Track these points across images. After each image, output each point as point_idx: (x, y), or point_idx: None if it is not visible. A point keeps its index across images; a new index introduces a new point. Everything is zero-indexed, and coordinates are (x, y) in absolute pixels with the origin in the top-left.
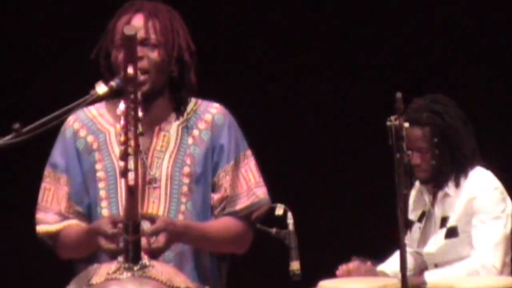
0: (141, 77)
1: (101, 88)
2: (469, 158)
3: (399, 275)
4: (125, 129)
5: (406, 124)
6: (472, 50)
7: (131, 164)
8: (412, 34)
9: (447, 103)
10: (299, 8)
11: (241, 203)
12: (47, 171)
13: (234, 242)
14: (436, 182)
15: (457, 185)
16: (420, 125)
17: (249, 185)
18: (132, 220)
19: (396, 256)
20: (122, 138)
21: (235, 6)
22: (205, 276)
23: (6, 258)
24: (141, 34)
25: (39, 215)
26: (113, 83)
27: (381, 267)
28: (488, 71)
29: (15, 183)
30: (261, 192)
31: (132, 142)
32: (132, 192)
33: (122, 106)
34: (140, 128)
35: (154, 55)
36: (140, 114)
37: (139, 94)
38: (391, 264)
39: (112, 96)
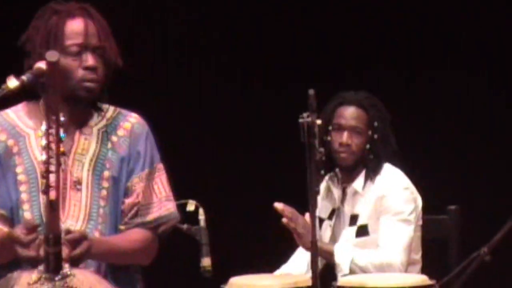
0: (93, 85)
1: (12, 82)
2: (393, 153)
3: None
4: (47, 148)
5: (319, 121)
6: (385, 50)
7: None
8: (330, 31)
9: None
10: (206, 8)
11: (152, 214)
12: None
13: (141, 254)
14: (361, 169)
15: (372, 179)
16: (362, 107)
17: (159, 197)
18: (53, 233)
19: (297, 256)
20: (44, 157)
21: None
22: (126, 279)
23: None
24: (95, 43)
25: None
26: (24, 78)
27: (284, 268)
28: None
29: None
30: (171, 206)
31: (53, 160)
32: (53, 207)
33: (43, 127)
34: (62, 148)
35: (105, 64)
36: (62, 118)
37: (61, 116)
38: (295, 265)
39: (24, 92)
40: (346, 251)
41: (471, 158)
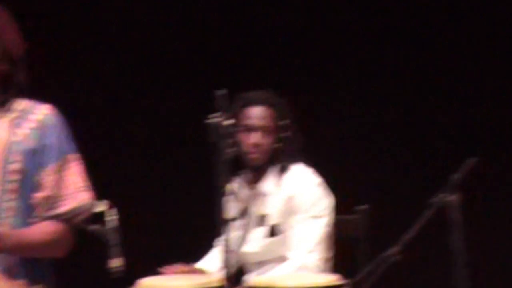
0: None
1: None
2: (301, 150)
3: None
4: None
5: (227, 122)
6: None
7: None
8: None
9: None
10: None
11: (65, 206)
12: None
13: (54, 246)
14: (269, 168)
15: (281, 178)
16: (268, 105)
17: (74, 188)
18: None
19: (213, 254)
20: None
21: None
22: (38, 273)
23: None
24: None
25: None
26: None
27: (199, 265)
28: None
29: None
30: (86, 197)
31: None
32: None
33: None
34: None
35: None
36: None
37: None
38: (209, 262)
39: None
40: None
41: (380, 158)
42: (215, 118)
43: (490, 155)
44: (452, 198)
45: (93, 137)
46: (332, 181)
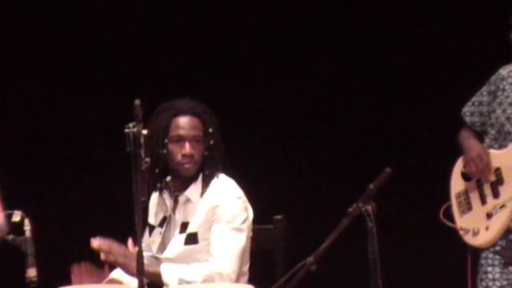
0: None
1: None
2: (222, 160)
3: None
4: None
5: (144, 131)
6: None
7: None
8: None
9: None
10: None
11: None
12: None
13: None
14: (194, 177)
15: (207, 186)
16: (197, 114)
17: None
18: None
19: None
20: None
21: None
22: None
23: None
24: None
25: None
26: None
27: (113, 274)
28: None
29: None
30: None
31: None
32: None
33: None
34: None
35: None
36: None
37: None
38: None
39: None
40: (172, 270)
41: (295, 168)
42: (132, 128)
43: (406, 165)
44: (368, 207)
45: (13, 145)
46: (248, 191)
